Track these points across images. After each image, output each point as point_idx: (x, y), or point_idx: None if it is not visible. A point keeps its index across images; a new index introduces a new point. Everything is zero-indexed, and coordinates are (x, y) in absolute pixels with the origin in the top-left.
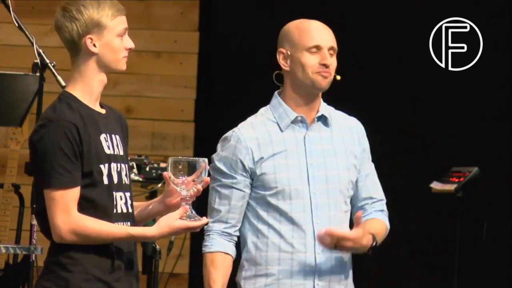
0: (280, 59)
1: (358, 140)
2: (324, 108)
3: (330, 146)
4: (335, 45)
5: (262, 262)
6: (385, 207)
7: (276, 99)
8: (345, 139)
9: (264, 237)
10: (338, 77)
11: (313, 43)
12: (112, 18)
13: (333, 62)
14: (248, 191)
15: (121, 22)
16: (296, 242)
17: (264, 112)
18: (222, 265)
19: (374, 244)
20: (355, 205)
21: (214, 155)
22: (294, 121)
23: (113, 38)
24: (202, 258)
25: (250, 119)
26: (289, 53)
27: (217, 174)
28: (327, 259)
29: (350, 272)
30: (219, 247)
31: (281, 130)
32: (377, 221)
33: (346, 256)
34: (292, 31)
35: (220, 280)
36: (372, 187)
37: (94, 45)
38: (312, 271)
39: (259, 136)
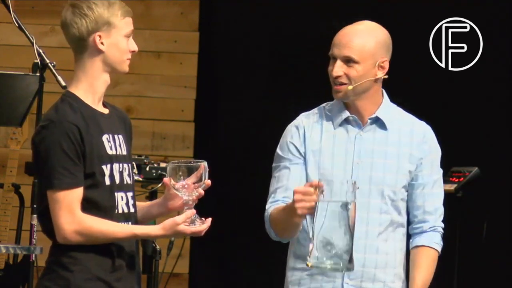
0: None
1: (418, 145)
2: (384, 111)
3: (382, 148)
4: (352, 54)
5: (301, 256)
6: (438, 222)
7: None
8: (401, 143)
9: (305, 233)
10: (350, 87)
11: (330, 52)
12: (121, 18)
13: (350, 72)
14: (304, 174)
15: (129, 24)
16: None
17: (325, 105)
18: None
19: None
20: (409, 213)
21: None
22: (347, 121)
23: (121, 38)
24: (268, 220)
25: (312, 110)
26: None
27: (276, 160)
28: (359, 259)
29: (394, 272)
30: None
31: (334, 127)
32: (422, 259)
33: (384, 257)
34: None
35: None
36: (427, 198)
37: (102, 43)
38: None
39: (314, 126)
